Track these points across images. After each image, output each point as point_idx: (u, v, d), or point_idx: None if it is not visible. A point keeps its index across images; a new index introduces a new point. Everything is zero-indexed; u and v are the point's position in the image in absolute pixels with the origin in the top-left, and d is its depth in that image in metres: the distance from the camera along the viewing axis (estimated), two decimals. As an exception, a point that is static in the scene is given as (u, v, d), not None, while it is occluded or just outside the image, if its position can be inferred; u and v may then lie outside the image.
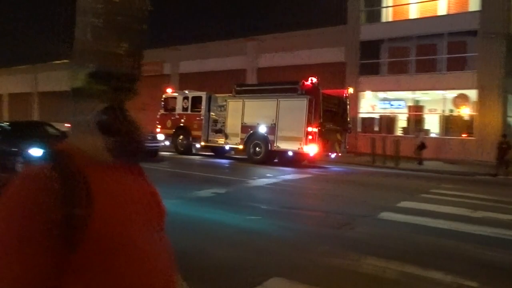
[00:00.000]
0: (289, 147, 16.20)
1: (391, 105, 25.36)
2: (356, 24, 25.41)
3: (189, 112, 19.56)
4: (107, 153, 1.12)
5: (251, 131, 17.07)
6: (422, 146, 19.44)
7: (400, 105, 25.14)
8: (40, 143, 11.56)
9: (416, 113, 24.77)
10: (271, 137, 16.51)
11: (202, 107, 19.18)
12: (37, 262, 0.92)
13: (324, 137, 15.86)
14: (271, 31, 28.50)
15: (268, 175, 13.38)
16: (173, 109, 20.21)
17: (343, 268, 4.83)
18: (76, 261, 0.99)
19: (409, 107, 25.00)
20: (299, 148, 15.90)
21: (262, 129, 16.73)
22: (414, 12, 24.69)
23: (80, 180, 1.02)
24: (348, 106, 17.36)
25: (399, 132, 24.62)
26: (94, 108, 1.09)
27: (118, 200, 1.08)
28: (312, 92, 15.67)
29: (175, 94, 20.71)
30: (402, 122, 25.26)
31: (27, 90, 44.18)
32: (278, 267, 4.78)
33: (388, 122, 25.25)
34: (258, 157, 16.88)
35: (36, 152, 11.31)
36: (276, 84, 17.59)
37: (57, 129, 13.89)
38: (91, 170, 1.06)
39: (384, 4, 25.97)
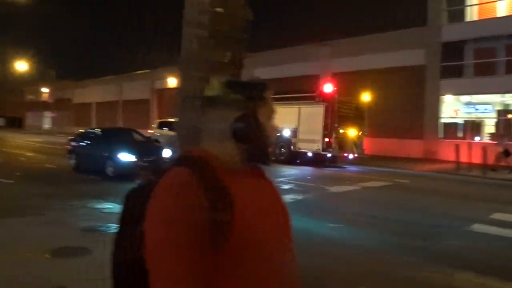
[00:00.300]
0: (309, 149, 18.17)
1: (476, 109, 23.71)
2: (438, 24, 24.13)
3: None
4: (240, 159, 1.15)
5: (278, 134, 17.65)
6: (507, 153, 17.89)
7: (486, 109, 23.41)
8: (128, 149, 12.33)
9: (507, 117, 22.91)
10: (293, 140, 18.52)
11: None
12: (195, 263, 0.96)
13: (340, 139, 17.54)
14: (344, 35, 28.00)
15: (347, 182, 13.09)
16: None
17: (434, 282, 4.57)
18: (218, 265, 1.01)
19: (498, 111, 23.20)
20: (317, 150, 17.79)
21: (286, 132, 18.48)
22: (503, 10, 22.93)
23: (221, 187, 1.05)
24: (364, 112, 19.05)
25: (486, 138, 22.91)
26: (229, 116, 1.12)
27: (254, 205, 1.10)
28: (328, 99, 17.45)
29: None
30: (489, 127, 23.49)
31: (113, 98, 47.34)
32: (364, 278, 4.62)
33: (473, 127, 23.61)
34: (283, 157, 18.43)
35: (124, 156, 12.06)
36: (297, 92, 19.25)
37: (142, 135, 14.71)
38: (228, 176, 1.09)
39: (468, 3, 24.42)
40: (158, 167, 1.24)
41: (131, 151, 12.26)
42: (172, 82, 39.02)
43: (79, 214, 7.12)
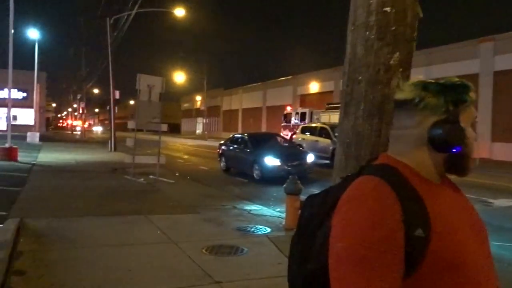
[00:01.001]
0: None
1: None
2: None
3: (299, 123, 26.56)
4: (435, 169, 1.05)
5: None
6: None
7: None
8: (273, 153, 12.80)
9: None
10: None
11: (305, 120, 27.35)
12: (386, 285, 0.89)
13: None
14: (509, 29, 24.77)
15: (507, 194, 11.51)
16: (289, 122, 29.46)
17: None
18: (410, 284, 0.93)
19: None
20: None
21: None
22: None
23: (417, 199, 0.96)
24: None
25: None
26: (426, 121, 1.02)
27: (453, 221, 0.99)
28: None
29: (290, 111, 30.61)
30: None
31: (257, 105, 49.85)
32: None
33: None
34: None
35: (269, 161, 12.55)
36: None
37: (286, 140, 15.14)
38: (421, 188, 0.99)
39: None
40: (349, 176, 1.19)
41: (276, 155, 12.69)
42: (314, 87, 39.45)
43: (231, 215, 7.59)
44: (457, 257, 0.94)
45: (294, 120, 29.11)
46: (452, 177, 1.12)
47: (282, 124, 30.70)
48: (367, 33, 2.13)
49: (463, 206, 1.08)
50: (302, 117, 28.48)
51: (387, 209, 0.92)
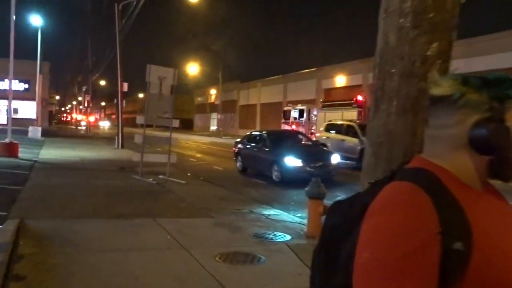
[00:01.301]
0: None
1: None
2: None
3: (297, 120, 30.49)
4: (477, 173, 1.03)
5: None
6: None
7: None
8: (294, 153, 12.77)
9: None
10: None
11: (303, 117, 30.08)
12: None
13: None
14: None
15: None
16: (288, 119, 31.79)
17: None
18: None
19: None
20: None
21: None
22: None
23: (456, 208, 0.95)
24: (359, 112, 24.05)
25: None
26: (466, 119, 1.00)
27: (495, 230, 0.97)
28: (361, 105, 24.63)
29: (289, 107, 32.94)
30: None
31: (277, 99, 49.79)
32: None
33: None
34: None
35: (290, 161, 12.53)
36: (341, 100, 27.71)
37: (309, 139, 15.09)
38: (461, 195, 0.98)
39: None
40: (378, 180, 1.17)
41: (297, 155, 12.66)
42: (340, 81, 39.24)
43: (247, 219, 7.62)
44: (503, 275, 0.92)
45: (293, 117, 31.45)
46: (495, 183, 1.10)
47: (282, 121, 33.22)
48: (402, 20, 2.10)
49: (509, 216, 1.06)
50: (300, 114, 30.69)
51: (422, 219, 0.91)
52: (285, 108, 34.40)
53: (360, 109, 24.66)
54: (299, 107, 31.74)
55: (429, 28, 2.07)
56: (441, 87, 1.04)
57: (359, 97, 25.49)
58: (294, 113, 31.53)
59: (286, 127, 30.92)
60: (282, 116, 34.07)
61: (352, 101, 25.68)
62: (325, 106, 28.67)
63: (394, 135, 2.10)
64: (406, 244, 0.89)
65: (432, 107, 1.08)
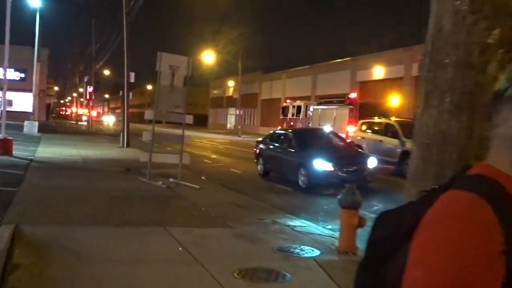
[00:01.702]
0: None
1: None
2: None
3: (294, 117, 33.50)
4: None
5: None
6: None
7: None
8: (324, 155, 12.70)
9: None
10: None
11: (300, 114, 32.73)
12: None
13: None
14: None
15: None
16: (287, 115, 34.81)
17: None
18: None
19: None
20: None
21: (327, 128, 22.57)
22: None
23: None
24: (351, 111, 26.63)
25: None
26: None
27: None
28: (352, 103, 27.38)
29: (288, 104, 36.38)
30: None
31: (305, 93, 49.68)
32: None
33: None
34: None
35: (320, 164, 12.48)
36: (335, 98, 30.53)
37: (342, 138, 15.01)
38: None
39: None
40: (433, 189, 1.16)
41: (328, 158, 12.60)
42: (378, 72, 38.93)
43: (270, 231, 7.62)
44: None
45: (291, 113, 34.19)
46: None
47: (280, 118, 36.16)
48: (458, 2, 2.08)
49: None
50: (298, 110, 33.36)
51: (484, 235, 0.90)
52: (284, 104, 38.03)
53: (351, 107, 27.05)
54: (298, 103, 34.78)
55: (490, 12, 2.04)
56: (499, 81, 1.03)
57: (352, 95, 28.76)
58: (293, 110, 34.37)
59: (284, 124, 33.56)
60: (280, 112, 37.11)
61: (344, 99, 28.71)
62: (320, 104, 31.56)
63: (446, 136, 2.08)
64: (463, 263, 0.88)
65: (496, 105, 1.06)
